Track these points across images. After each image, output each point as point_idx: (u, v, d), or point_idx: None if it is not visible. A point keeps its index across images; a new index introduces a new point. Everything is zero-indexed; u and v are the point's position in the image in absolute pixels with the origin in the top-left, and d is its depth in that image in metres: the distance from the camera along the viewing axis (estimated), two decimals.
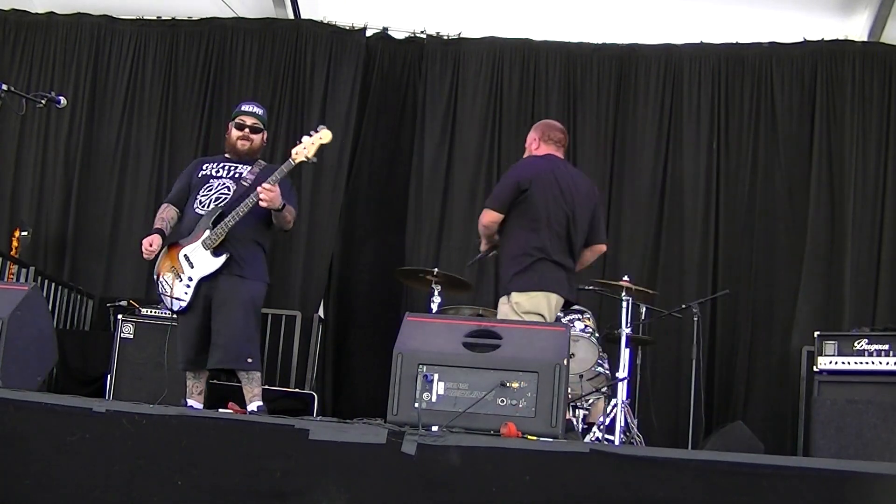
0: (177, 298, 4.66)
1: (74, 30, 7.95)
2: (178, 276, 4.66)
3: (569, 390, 4.19)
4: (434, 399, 3.45)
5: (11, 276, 6.54)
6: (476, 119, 7.61)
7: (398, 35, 7.92)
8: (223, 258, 4.59)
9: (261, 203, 4.52)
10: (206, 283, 4.63)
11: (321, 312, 7.41)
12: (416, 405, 3.44)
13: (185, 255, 4.67)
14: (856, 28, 7.41)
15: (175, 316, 4.85)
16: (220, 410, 4.48)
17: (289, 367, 6.93)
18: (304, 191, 7.56)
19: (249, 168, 4.81)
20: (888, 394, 5.37)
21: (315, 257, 7.54)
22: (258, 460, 3.02)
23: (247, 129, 4.82)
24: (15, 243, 7.01)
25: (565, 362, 3.44)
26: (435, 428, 3.24)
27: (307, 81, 7.76)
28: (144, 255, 4.70)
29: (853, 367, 5.53)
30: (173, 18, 8.00)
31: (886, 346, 5.48)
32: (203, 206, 4.71)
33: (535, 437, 3.25)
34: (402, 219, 7.53)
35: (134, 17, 8.00)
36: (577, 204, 4.83)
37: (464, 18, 7.74)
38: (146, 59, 7.88)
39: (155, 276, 4.81)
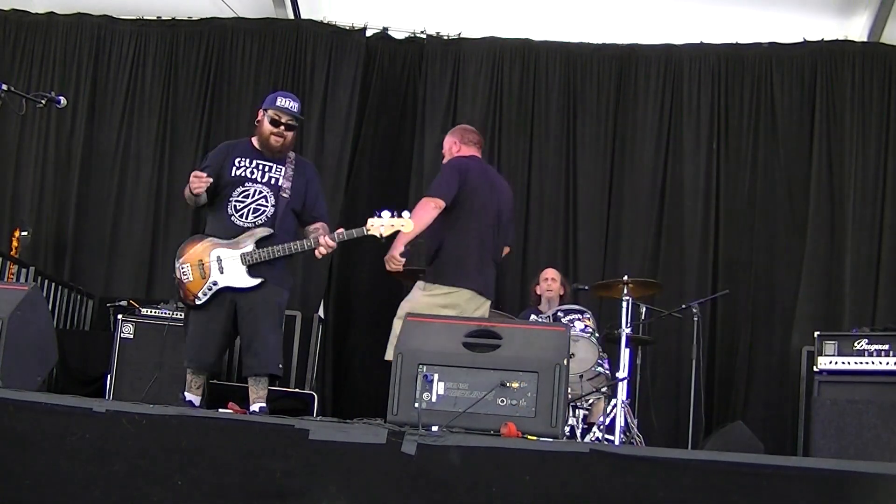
0: (195, 295, 4.57)
1: (74, 30, 7.95)
2: (202, 273, 4.56)
3: (569, 390, 4.20)
4: (434, 399, 3.46)
5: (11, 276, 6.55)
6: (476, 119, 7.59)
7: (398, 35, 7.93)
8: (257, 281, 4.53)
9: (317, 255, 4.62)
10: (232, 291, 4.56)
11: (321, 312, 7.41)
12: (416, 405, 3.44)
13: (218, 257, 4.54)
14: (856, 28, 7.42)
15: (180, 313, 4.80)
16: (220, 410, 4.48)
17: (289, 367, 6.92)
18: None
19: (283, 171, 4.67)
20: (888, 394, 5.38)
21: (315, 257, 7.52)
22: (258, 460, 3.02)
23: (282, 127, 4.64)
24: (15, 243, 7.01)
25: (565, 362, 3.44)
26: (435, 428, 3.24)
27: (307, 81, 7.76)
28: (195, 188, 4.48)
29: (853, 367, 5.54)
30: (173, 18, 8.01)
31: (886, 346, 5.48)
32: (241, 216, 4.59)
33: (535, 437, 3.25)
34: None
35: (134, 17, 8.00)
36: (502, 202, 4.99)
37: (464, 18, 7.75)
38: (146, 59, 7.89)
39: (177, 259, 4.65)
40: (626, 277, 5.67)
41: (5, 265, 6.61)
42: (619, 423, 5.30)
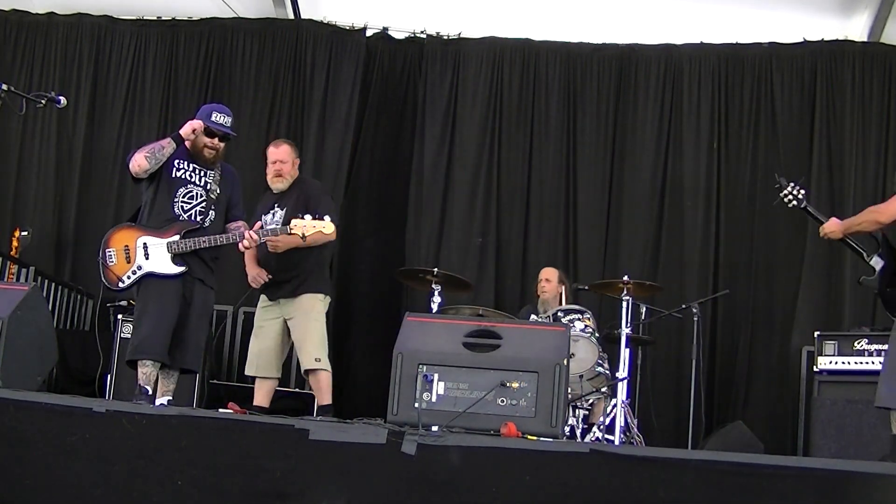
0: (118, 278, 4.68)
1: (74, 30, 7.95)
2: (127, 258, 4.68)
3: (569, 390, 4.20)
4: (434, 399, 3.46)
5: (11, 276, 6.55)
6: (476, 119, 7.61)
7: (398, 35, 7.93)
8: (181, 269, 4.65)
9: (240, 248, 4.77)
10: (180, 282, 4.64)
11: None
12: (416, 405, 3.44)
13: (144, 244, 4.67)
14: (856, 28, 7.42)
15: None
16: (220, 410, 4.48)
17: (289, 367, 6.92)
18: None
19: (213, 175, 4.85)
20: None
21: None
22: (258, 460, 3.02)
23: (216, 139, 4.81)
24: (15, 243, 7.01)
25: (565, 362, 3.44)
26: (435, 428, 3.24)
27: (307, 81, 7.76)
28: (193, 131, 4.70)
29: (853, 367, 5.54)
30: (173, 18, 8.01)
31: (886, 346, 5.47)
32: (189, 217, 4.75)
33: (535, 437, 3.25)
34: (402, 219, 7.54)
35: (134, 18, 8.00)
36: None
37: (464, 18, 7.74)
38: (146, 59, 7.88)
39: (103, 244, 4.77)
40: (626, 278, 5.67)
41: (5, 265, 6.61)
42: (619, 423, 5.31)
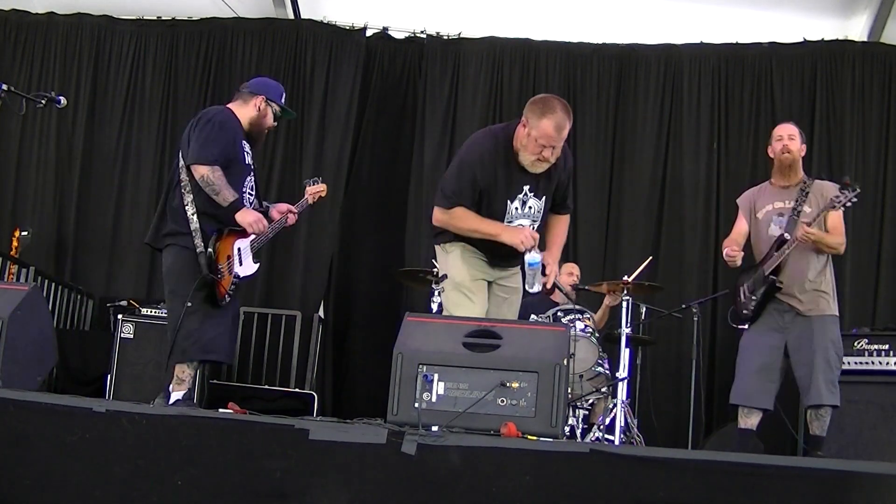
0: (225, 292, 4.39)
1: (74, 30, 7.96)
2: (230, 268, 4.42)
3: (569, 390, 4.20)
4: (434, 399, 3.45)
5: (11, 276, 6.55)
6: (476, 119, 7.61)
7: (398, 35, 7.93)
8: (258, 266, 4.53)
9: (287, 225, 4.69)
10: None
11: (321, 312, 7.41)
12: (416, 405, 3.44)
13: (238, 249, 4.44)
14: (856, 28, 7.42)
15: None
16: (220, 410, 4.47)
17: (289, 367, 6.93)
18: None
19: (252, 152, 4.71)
20: (888, 394, 5.38)
21: (315, 257, 7.54)
22: (258, 460, 3.02)
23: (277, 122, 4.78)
24: (15, 243, 7.01)
25: (565, 362, 3.44)
26: (435, 428, 3.24)
27: (307, 81, 7.77)
28: (265, 229, 4.41)
29: (853, 367, 5.53)
30: (173, 18, 8.01)
31: (886, 346, 5.48)
32: (249, 204, 4.52)
33: (535, 437, 3.25)
34: (402, 219, 7.54)
35: (134, 17, 8.01)
36: None
37: (464, 18, 7.75)
38: (146, 59, 7.89)
39: (215, 260, 4.36)
40: (626, 278, 5.67)
41: (5, 265, 6.61)
42: (619, 423, 5.31)
